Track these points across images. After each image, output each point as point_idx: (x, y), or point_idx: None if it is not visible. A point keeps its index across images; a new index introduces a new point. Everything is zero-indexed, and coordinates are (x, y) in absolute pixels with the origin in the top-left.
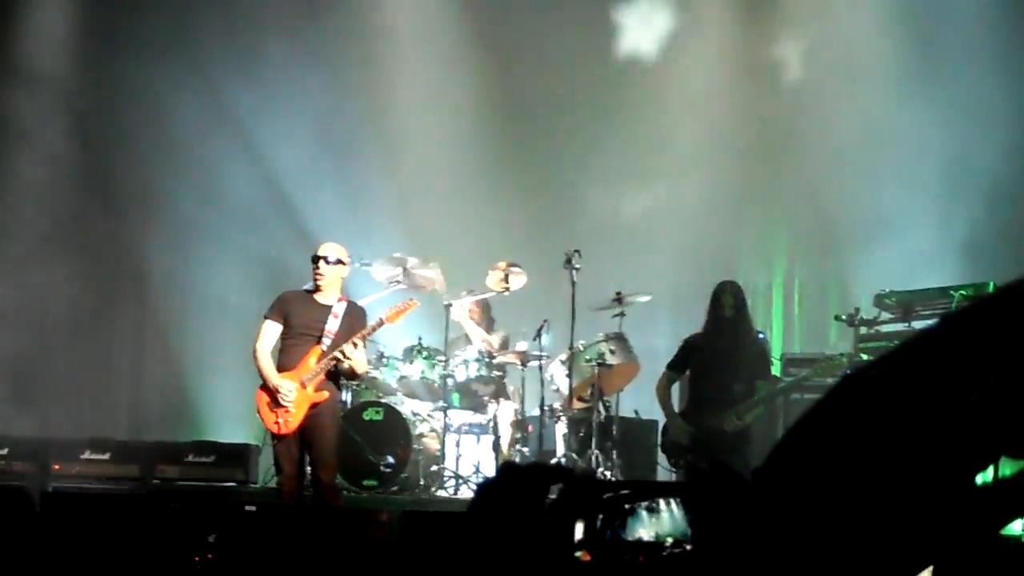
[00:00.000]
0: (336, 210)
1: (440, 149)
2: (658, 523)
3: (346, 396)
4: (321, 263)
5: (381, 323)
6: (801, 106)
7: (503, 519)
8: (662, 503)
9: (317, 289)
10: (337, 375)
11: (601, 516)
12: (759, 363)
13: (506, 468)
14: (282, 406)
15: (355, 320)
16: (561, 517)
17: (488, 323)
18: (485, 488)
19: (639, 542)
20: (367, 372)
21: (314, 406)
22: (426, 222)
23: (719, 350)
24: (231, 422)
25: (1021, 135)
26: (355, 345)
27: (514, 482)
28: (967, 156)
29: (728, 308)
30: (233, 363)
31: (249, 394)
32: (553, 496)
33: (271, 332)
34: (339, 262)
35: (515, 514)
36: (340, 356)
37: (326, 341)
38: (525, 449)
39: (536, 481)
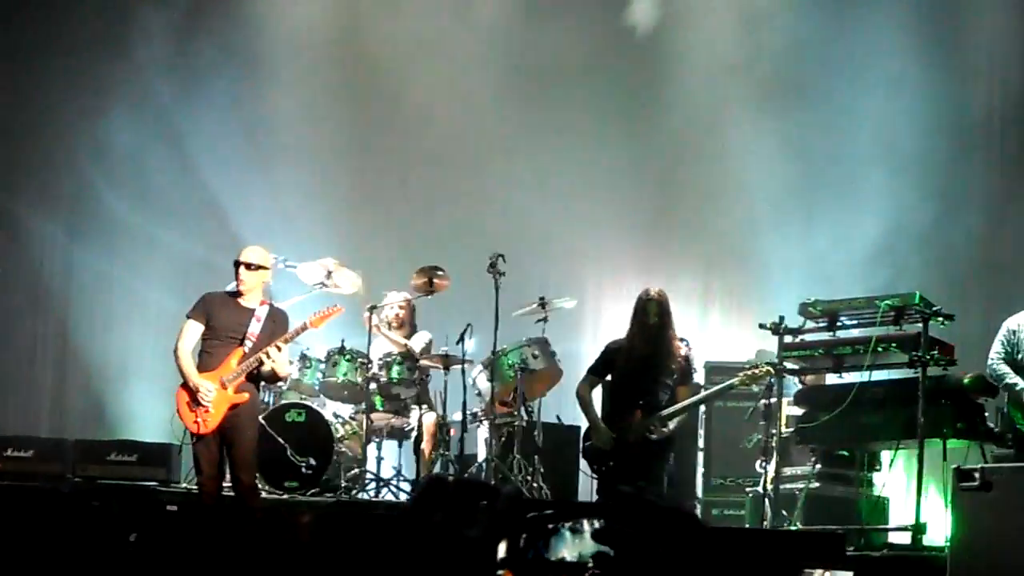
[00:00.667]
0: (262, 212)
1: (366, 154)
2: (581, 544)
3: (268, 398)
4: (242, 269)
5: (305, 327)
6: (714, 119)
7: (428, 535)
8: (586, 523)
9: (240, 292)
10: (258, 377)
11: (525, 535)
12: (682, 370)
13: (432, 483)
14: (201, 406)
15: (277, 324)
16: (486, 535)
17: (412, 327)
18: (412, 503)
19: (562, 562)
20: (289, 375)
21: (234, 407)
22: (351, 226)
23: (643, 356)
24: (153, 422)
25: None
26: (278, 348)
27: (439, 498)
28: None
29: (653, 315)
30: (156, 363)
31: (172, 394)
32: (478, 513)
33: (192, 332)
34: (261, 267)
35: (439, 531)
36: (264, 358)
37: (248, 343)
38: (447, 453)
39: (462, 497)
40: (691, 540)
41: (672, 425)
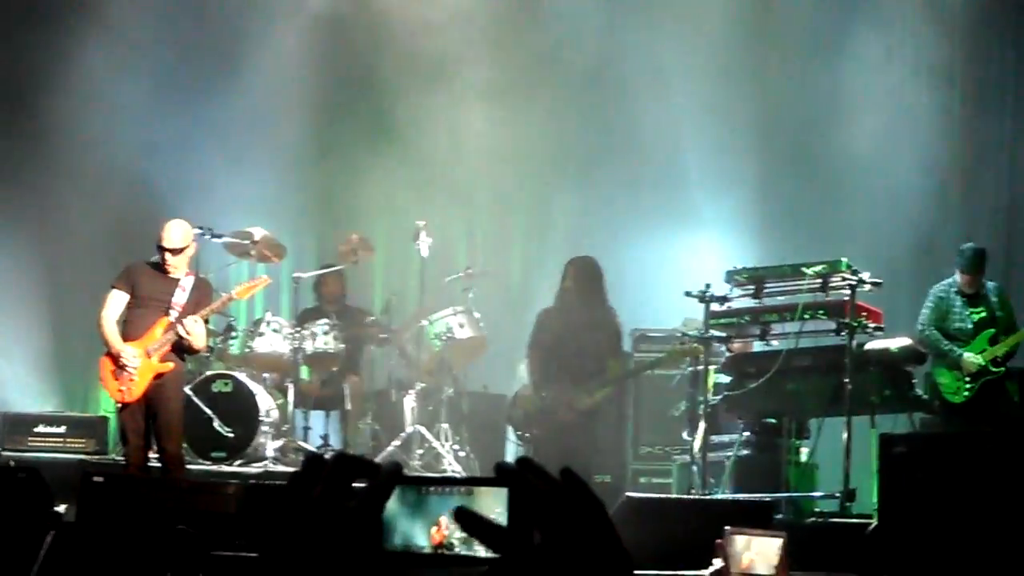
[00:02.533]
0: (189, 181)
1: (292, 120)
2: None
3: (196, 366)
4: (168, 255)
5: (231, 298)
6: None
7: (307, 511)
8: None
9: (163, 263)
10: (182, 348)
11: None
12: (610, 340)
13: (311, 460)
14: (125, 374)
15: (202, 294)
16: (366, 510)
17: (343, 297)
18: (291, 480)
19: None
20: (205, 347)
21: (158, 376)
22: (277, 194)
23: (569, 324)
24: (82, 393)
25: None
26: (196, 321)
27: (318, 474)
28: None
29: (569, 279)
30: (85, 334)
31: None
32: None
33: (117, 301)
34: (185, 248)
35: (319, 506)
36: (180, 331)
37: (173, 313)
38: (374, 423)
39: (341, 473)
40: (580, 515)
41: (599, 395)
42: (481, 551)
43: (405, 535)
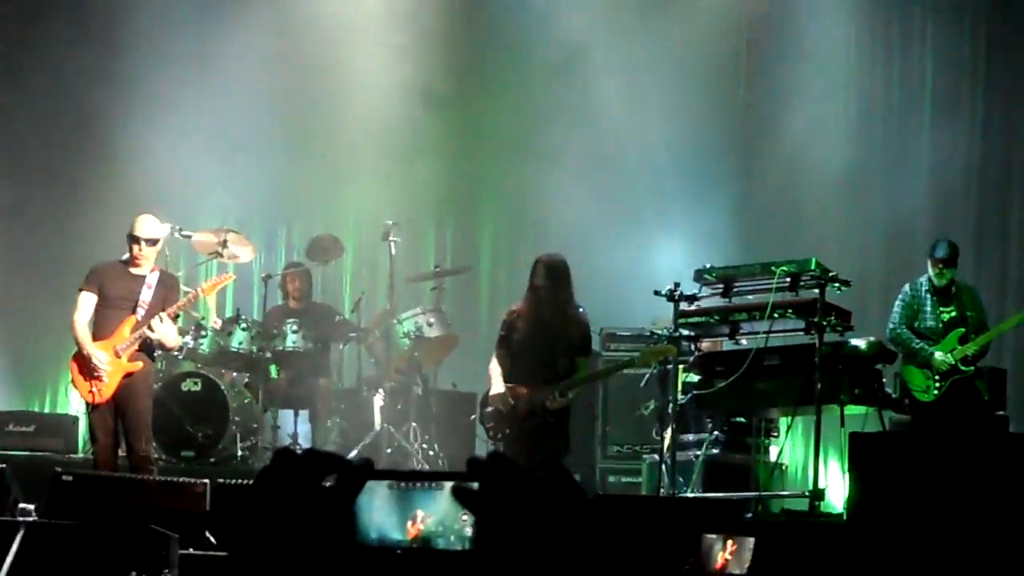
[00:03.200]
0: (160, 179)
1: (263, 118)
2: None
3: (163, 366)
4: (143, 245)
5: (197, 296)
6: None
7: (277, 506)
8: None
9: (133, 262)
10: (151, 346)
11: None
12: (581, 339)
13: (280, 455)
14: (96, 375)
15: (168, 290)
16: (336, 506)
17: (309, 295)
18: (262, 475)
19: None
20: (178, 344)
21: (128, 375)
22: (245, 194)
23: (537, 322)
24: (52, 392)
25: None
26: (161, 320)
27: (288, 470)
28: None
29: (540, 278)
30: (54, 334)
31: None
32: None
33: (87, 304)
34: (157, 241)
35: (289, 502)
36: (146, 331)
37: (140, 311)
38: (342, 421)
39: (310, 469)
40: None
41: (571, 395)
42: (456, 544)
43: (381, 529)
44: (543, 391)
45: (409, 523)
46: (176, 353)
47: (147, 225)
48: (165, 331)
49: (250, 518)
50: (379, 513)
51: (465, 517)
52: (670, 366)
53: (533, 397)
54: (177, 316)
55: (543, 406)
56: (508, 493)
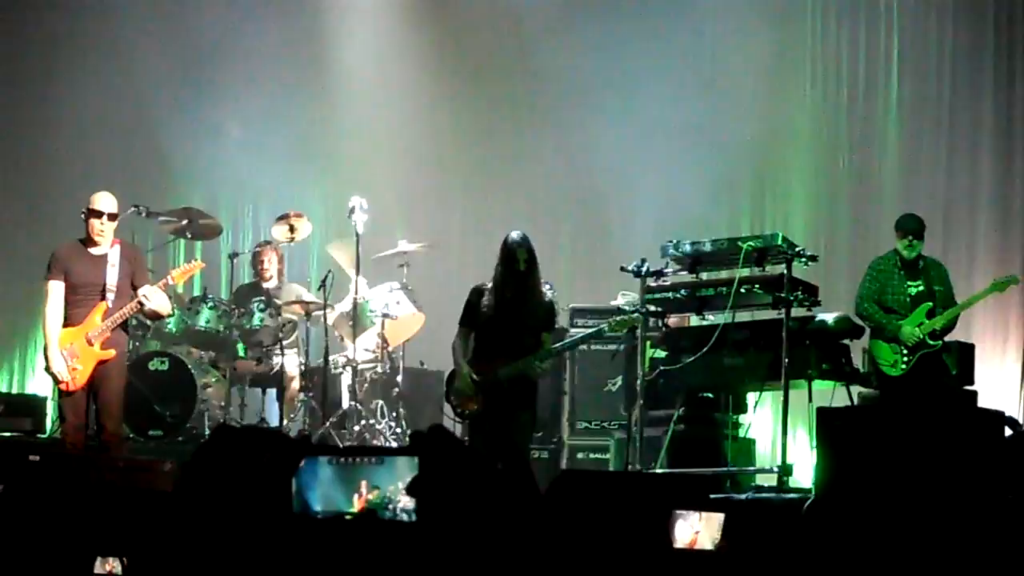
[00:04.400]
0: (126, 157)
1: (229, 96)
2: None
3: (132, 346)
4: (104, 219)
5: (166, 284)
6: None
7: (216, 480)
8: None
9: (90, 240)
10: (126, 322)
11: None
12: (546, 314)
13: (219, 431)
14: (69, 364)
15: (133, 262)
16: (273, 479)
17: (279, 273)
18: (200, 450)
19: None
20: (171, 312)
21: (101, 362)
22: (213, 171)
23: (510, 302)
24: (19, 372)
25: None
26: (154, 291)
27: (227, 445)
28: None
29: (522, 262)
30: (24, 312)
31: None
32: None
33: (56, 293)
34: (116, 215)
35: (228, 475)
36: (144, 301)
37: (110, 296)
38: (310, 400)
39: (249, 444)
40: (486, 480)
41: (546, 365)
42: (402, 515)
43: (328, 501)
44: (509, 366)
45: (355, 496)
46: (143, 332)
47: (107, 200)
48: (159, 301)
49: (188, 490)
50: (324, 487)
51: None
52: (636, 342)
53: (501, 372)
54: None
55: (510, 379)
56: (448, 466)
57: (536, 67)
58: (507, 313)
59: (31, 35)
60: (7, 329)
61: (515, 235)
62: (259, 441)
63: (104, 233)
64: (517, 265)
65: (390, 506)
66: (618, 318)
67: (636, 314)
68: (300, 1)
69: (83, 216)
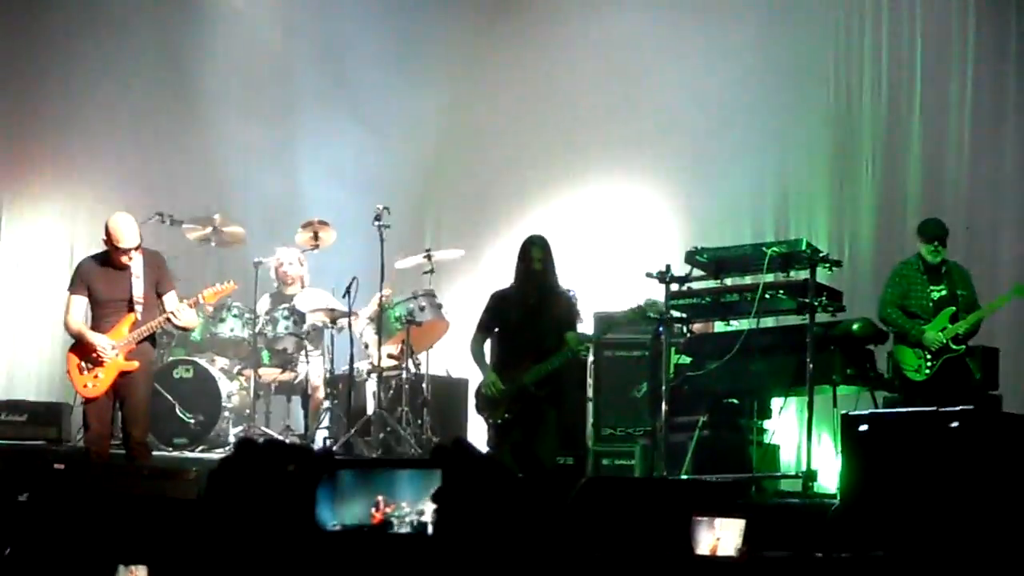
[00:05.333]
0: (144, 167)
1: (242, 105)
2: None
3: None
4: (133, 254)
5: (197, 302)
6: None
7: (239, 495)
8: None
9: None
10: (154, 334)
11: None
12: (567, 312)
13: (243, 445)
14: (92, 370)
15: (156, 271)
16: (296, 493)
17: (302, 280)
18: (224, 463)
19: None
20: (197, 324)
21: (123, 374)
22: (233, 180)
23: (529, 304)
24: (43, 381)
25: None
26: (183, 309)
27: (251, 459)
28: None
29: (537, 261)
30: (45, 322)
31: (62, 353)
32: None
33: (78, 305)
34: (139, 244)
35: (251, 490)
36: (173, 318)
37: (138, 308)
38: (335, 407)
39: (273, 458)
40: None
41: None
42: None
43: (346, 515)
44: (533, 370)
45: (373, 509)
46: (166, 340)
47: (128, 232)
48: (188, 317)
49: (212, 503)
50: (342, 500)
51: (427, 504)
52: (662, 346)
53: (525, 378)
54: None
55: (537, 383)
56: (470, 479)
57: (563, 72)
58: (527, 315)
59: (47, 35)
60: (32, 337)
61: (532, 236)
62: (282, 455)
63: (132, 259)
64: (532, 264)
65: (408, 519)
66: (634, 308)
67: (648, 303)
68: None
69: (104, 240)
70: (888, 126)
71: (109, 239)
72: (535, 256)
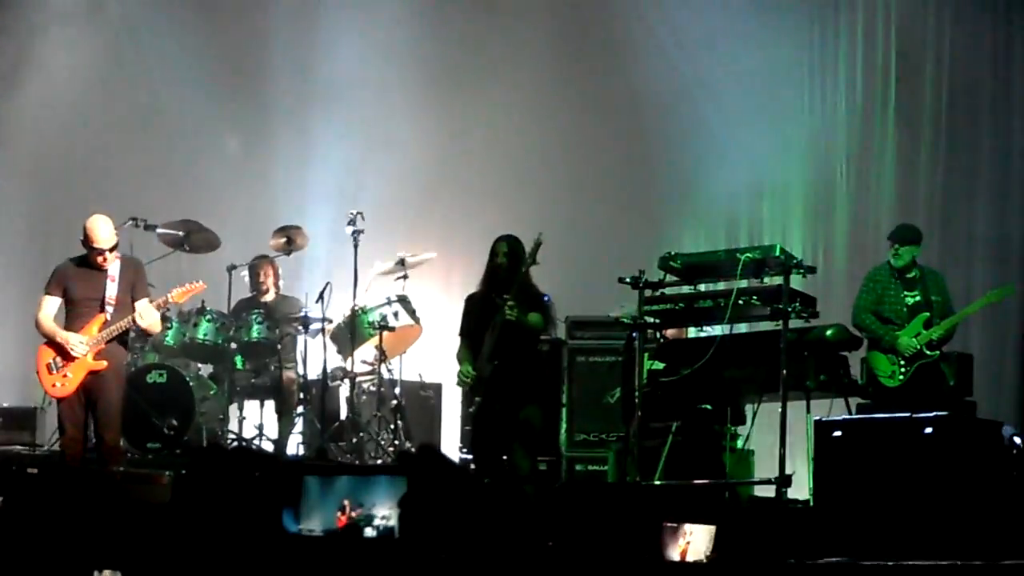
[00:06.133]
0: (123, 172)
1: (222, 109)
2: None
3: (130, 359)
4: (108, 256)
5: (167, 302)
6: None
7: (207, 499)
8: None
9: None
10: (125, 335)
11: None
12: (528, 300)
13: (209, 450)
14: (61, 370)
15: (133, 276)
16: (263, 498)
17: (277, 288)
18: (192, 468)
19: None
20: (161, 329)
21: (92, 373)
22: (210, 185)
23: (493, 300)
24: (16, 384)
25: None
26: (147, 309)
27: (219, 465)
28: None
29: (501, 256)
30: (14, 325)
31: (31, 357)
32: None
33: (51, 305)
34: (117, 242)
35: (219, 494)
36: (138, 320)
37: (109, 308)
38: (308, 412)
39: (239, 465)
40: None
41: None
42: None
43: (312, 520)
44: (485, 343)
45: (338, 513)
46: (139, 345)
47: (104, 232)
48: (151, 319)
49: (180, 508)
50: (309, 504)
51: (391, 507)
52: (635, 352)
53: (481, 362)
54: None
55: (492, 356)
56: (435, 486)
57: (537, 75)
58: (491, 312)
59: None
60: (5, 341)
61: (503, 235)
62: (249, 461)
63: (108, 262)
64: (497, 260)
65: (373, 523)
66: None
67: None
68: (287, 9)
69: (82, 242)
70: (863, 130)
71: (86, 239)
72: (499, 251)
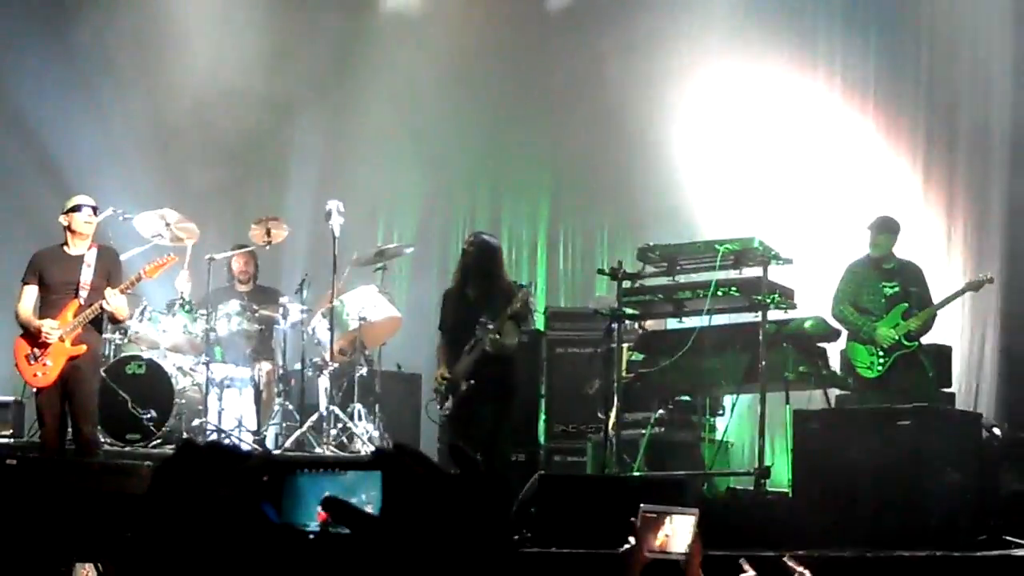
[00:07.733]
0: (95, 163)
1: (200, 102)
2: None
3: (108, 350)
4: (89, 213)
5: (140, 278)
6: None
7: (179, 498)
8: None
9: (67, 243)
10: (100, 323)
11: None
12: (502, 298)
13: (184, 448)
14: (40, 359)
15: (109, 263)
16: (238, 499)
17: (255, 277)
18: (162, 467)
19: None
20: (129, 317)
21: (72, 358)
22: (187, 176)
23: (468, 296)
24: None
25: None
26: (114, 294)
27: (191, 462)
28: None
29: (470, 253)
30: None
31: (8, 349)
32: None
33: (30, 295)
34: (97, 209)
35: (191, 494)
36: (104, 304)
37: (83, 293)
38: (287, 403)
39: (213, 462)
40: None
41: (506, 341)
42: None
43: (292, 516)
44: (461, 361)
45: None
46: (119, 336)
47: (87, 197)
48: (118, 303)
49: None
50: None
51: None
52: (614, 343)
53: (457, 371)
54: (127, 290)
55: (470, 372)
56: (411, 483)
57: (520, 71)
58: (466, 308)
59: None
60: None
61: (476, 231)
62: (223, 458)
63: (90, 224)
64: (465, 256)
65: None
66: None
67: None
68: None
69: (63, 217)
70: (842, 121)
71: (69, 208)
72: (469, 247)
